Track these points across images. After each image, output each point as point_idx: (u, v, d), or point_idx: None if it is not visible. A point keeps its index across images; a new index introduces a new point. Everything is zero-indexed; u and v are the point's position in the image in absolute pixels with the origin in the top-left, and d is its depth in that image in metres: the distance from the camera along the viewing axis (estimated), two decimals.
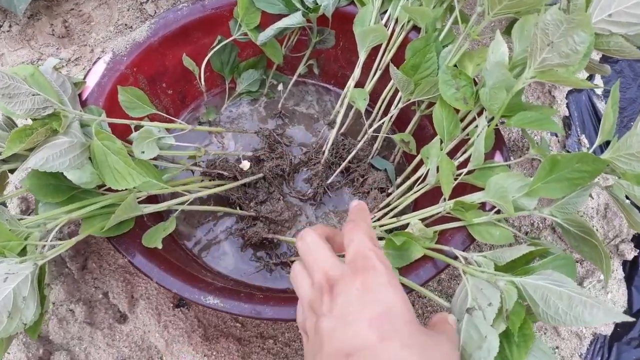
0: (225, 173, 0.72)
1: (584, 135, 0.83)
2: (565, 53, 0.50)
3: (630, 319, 0.40)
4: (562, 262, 0.55)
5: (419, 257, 0.57)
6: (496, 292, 0.47)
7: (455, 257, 0.56)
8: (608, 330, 0.74)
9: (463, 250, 0.57)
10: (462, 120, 0.66)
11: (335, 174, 0.77)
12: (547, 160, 0.54)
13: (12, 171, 0.59)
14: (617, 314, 0.41)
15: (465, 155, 0.64)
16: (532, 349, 0.46)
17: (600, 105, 0.86)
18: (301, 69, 0.84)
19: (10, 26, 0.93)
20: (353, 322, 0.36)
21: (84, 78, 0.69)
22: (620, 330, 0.74)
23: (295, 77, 0.84)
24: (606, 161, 0.52)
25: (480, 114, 0.64)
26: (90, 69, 0.70)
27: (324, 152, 0.77)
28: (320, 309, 0.38)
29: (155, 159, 0.64)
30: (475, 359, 0.44)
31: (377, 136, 0.78)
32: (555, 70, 0.53)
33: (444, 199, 0.60)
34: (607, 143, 0.55)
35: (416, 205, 0.74)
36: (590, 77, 0.89)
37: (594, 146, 0.57)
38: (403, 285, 0.54)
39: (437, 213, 0.62)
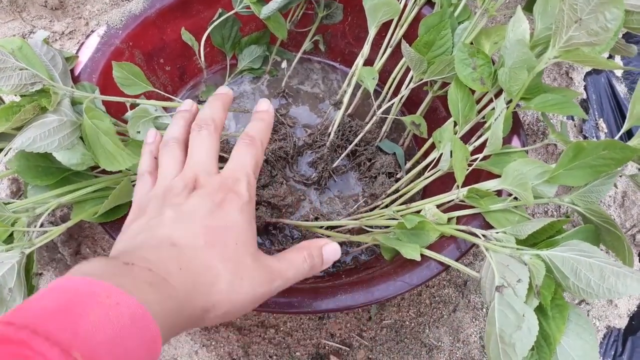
0: (226, 155, 0.69)
1: (602, 119, 0.79)
2: (595, 31, 0.46)
3: None
4: (585, 233, 0.52)
5: (437, 240, 0.55)
6: (523, 268, 0.44)
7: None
8: (622, 323, 0.71)
9: None
10: (477, 102, 0.62)
11: (341, 158, 0.73)
12: (571, 146, 0.50)
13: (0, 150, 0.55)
14: None
15: (481, 140, 0.61)
16: (568, 317, 0.44)
17: (620, 87, 0.81)
18: (306, 45, 0.80)
19: None
20: (192, 223, 0.37)
21: (77, 52, 0.65)
22: (635, 323, 0.71)
23: (300, 54, 0.80)
24: (636, 149, 0.48)
25: (497, 95, 0.60)
26: (83, 43, 0.66)
27: (329, 134, 0.73)
28: (172, 199, 0.39)
29: None
30: (515, 340, 0.42)
31: (386, 118, 0.74)
32: (582, 50, 0.49)
33: (457, 186, 0.56)
34: (628, 131, 0.51)
35: (425, 193, 0.71)
36: (610, 58, 0.85)
37: (621, 132, 0.53)
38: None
39: (450, 200, 0.59)
